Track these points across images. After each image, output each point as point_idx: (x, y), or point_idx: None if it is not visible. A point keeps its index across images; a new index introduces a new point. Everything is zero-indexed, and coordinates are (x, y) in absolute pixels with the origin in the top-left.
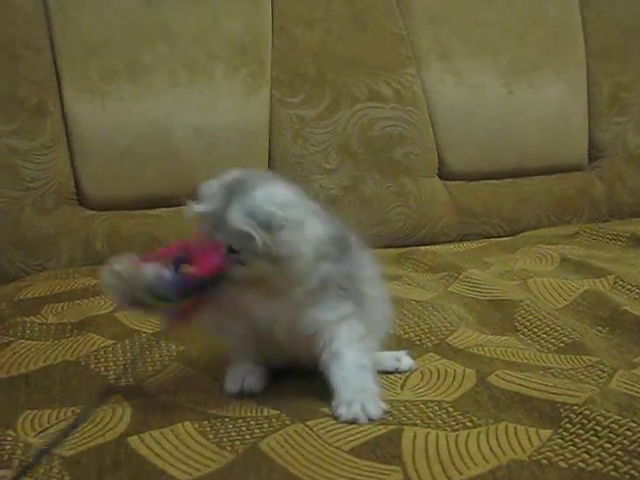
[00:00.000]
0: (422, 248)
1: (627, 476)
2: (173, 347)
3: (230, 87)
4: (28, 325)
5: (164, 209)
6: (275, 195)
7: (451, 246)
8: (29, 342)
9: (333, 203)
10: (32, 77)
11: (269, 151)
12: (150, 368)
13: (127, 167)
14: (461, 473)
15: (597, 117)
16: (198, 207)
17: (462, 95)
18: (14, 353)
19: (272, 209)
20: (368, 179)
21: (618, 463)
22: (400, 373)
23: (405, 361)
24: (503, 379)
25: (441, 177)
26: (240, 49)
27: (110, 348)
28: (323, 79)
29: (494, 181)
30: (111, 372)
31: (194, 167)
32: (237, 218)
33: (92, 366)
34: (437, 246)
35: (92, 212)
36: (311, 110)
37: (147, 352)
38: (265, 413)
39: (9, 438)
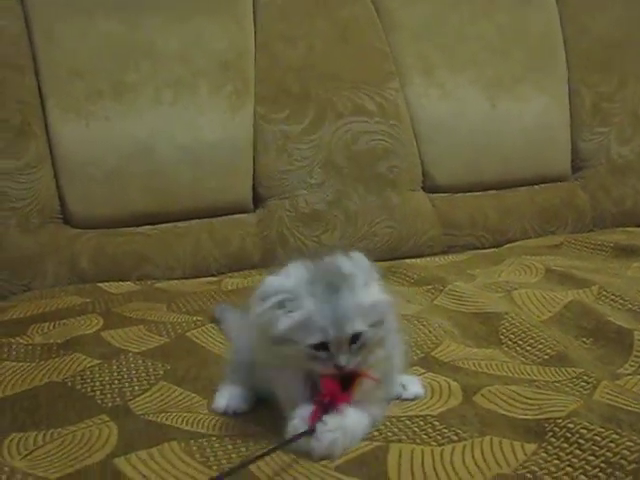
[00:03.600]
0: (407, 261)
1: None
2: (159, 365)
3: (214, 104)
4: (14, 346)
5: (149, 227)
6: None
7: (436, 259)
8: (14, 363)
9: (318, 218)
10: (16, 97)
11: (254, 167)
12: (137, 388)
13: (112, 186)
14: None
15: (580, 128)
16: (294, 316)
17: (445, 109)
18: None
19: (378, 296)
20: (353, 194)
21: (601, 475)
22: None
23: (411, 390)
24: (488, 393)
25: (426, 190)
26: (224, 66)
27: (97, 368)
28: (307, 95)
29: (478, 193)
30: (97, 392)
31: (179, 185)
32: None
33: (78, 387)
34: (422, 259)
35: (77, 231)
36: (295, 126)
37: None
38: (251, 431)
39: None
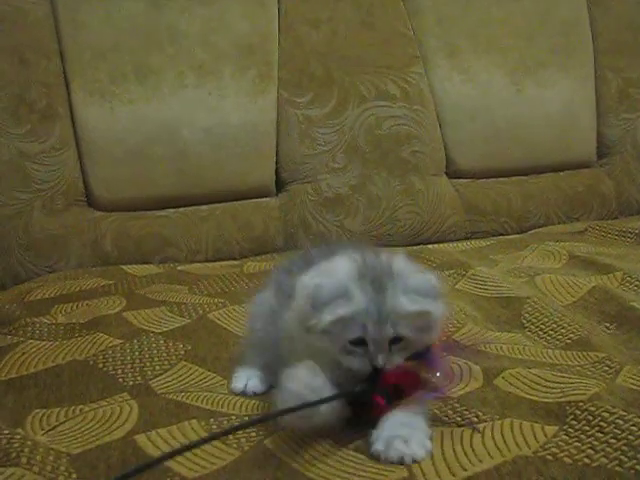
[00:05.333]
0: (430, 246)
1: (632, 471)
2: (180, 346)
3: (238, 88)
4: (37, 325)
5: (173, 210)
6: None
7: (459, 244)
8: (38, 342)
9: (341, 202)
10: (41, 80)
11: (277, 151)
12: (158, 367)
13: (136, 168)
14: (465, 469)
15: (606, 114)
16: (339, 311)
17: (470, 93)
18: (23, 353)
19: (428, 280)
20: (376, 178)
21: (623, 458)
22: None
23: None
24: (510, 376)
25: (449, 175)
26: (247, 50)
27: (118, 347)
28: (330, 79)
29: (502, 179)
30: (119, 371)
31: (202, 167)
32: (407, 302)
33: (100, 365)
34: (445, 244)
35: (101, 213)
36: (318, 110)
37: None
38: (269, 410)
39: (17, 436)
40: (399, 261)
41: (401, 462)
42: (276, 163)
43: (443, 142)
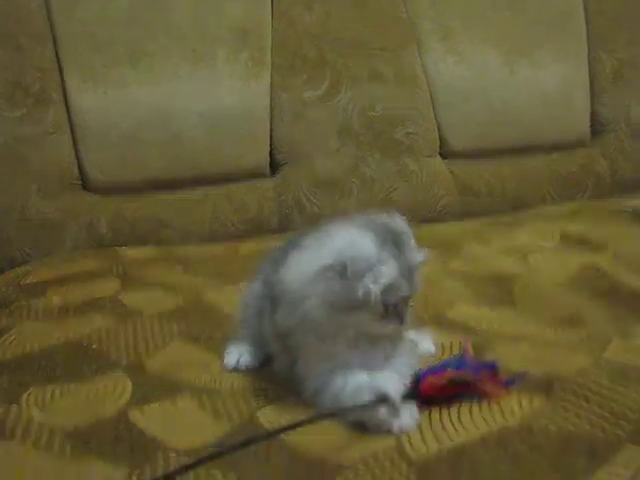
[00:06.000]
0: (424, 226)
1: (614, 436)
2: (174, 326)
3: (231, 71)
4: (32, 307)
5: (168, 192)
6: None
7: (453, 224)
8: (34, 323)
9: (335, 184)
10: (35, 65)
11: (271, 133)
12: (151, 346)
13: (130, 152)
14: (452, 440)
15: (599, 93)
16: (383, 280)
17: (463, 75)
18: (19, 334)
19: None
20: (370, 160)
21: (605, 425)
22: None
23: (423, 346)
24: (500, 351)
25: (443, 156)
26: (240, 33)
27: (112, 328)
28: (323, 61)
29: (496, 159)
30: (113, 350)
31: (196, 151)
32: (418, 256)
33: (94, 345)
34: (439, 224)
35: (96, 196)
36: (312, 92)
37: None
38: (262, 386)
39: (12, 412)
40: (395, 220)
41: (390, 432)
42: (270, 145)
43: (437, 123)
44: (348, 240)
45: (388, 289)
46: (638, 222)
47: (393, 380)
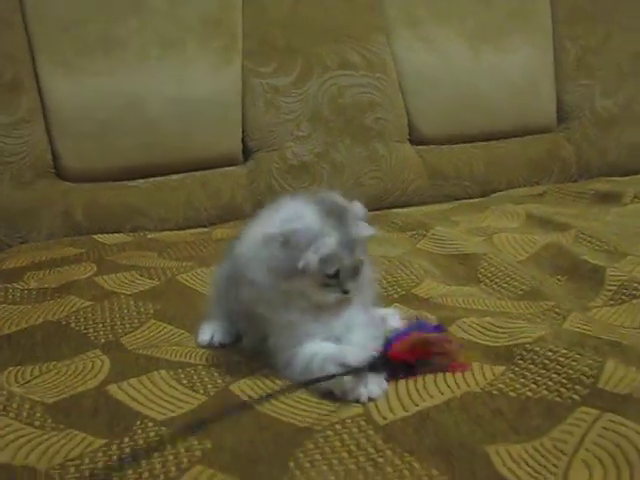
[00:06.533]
0: (394, 211)
1: (569, 400)
2: (150, 306)
3: (202, 59)
4: (10, 291)
5: (142, 180)
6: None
7: (422, 208)
8: (11, 306)
9: (306, 170)
10: (7, 52)
11: (243, 120)
12: (128, 325)
13: (104, 139)
14: (417, 405)
15: (564, 80)
16: (322, 250)
17: (431, 61)
18: None
19: (360, 207)
20: (340, 145)
21: (562, 390)
22: None
23: (390, 322)
24: (463, 324)
25: (412, 142)
26: (211, 21)
27: (89, 308)
28: (294, 49)
29: (465, 144)
30: (90, 330)
31: (170, 138)
32: (361, 229)
33: (72, 325)
34: (409, 208)
35: (71, 184)
36: (283, 79)
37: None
38: (235, 360)
39: None
40: (338, 196)
41: (357, 400)
42: (242, 132)
43: (406, 109)
44: (293, 212)
45: (327, 259)
46: (600, 204)
47: (357, 350)
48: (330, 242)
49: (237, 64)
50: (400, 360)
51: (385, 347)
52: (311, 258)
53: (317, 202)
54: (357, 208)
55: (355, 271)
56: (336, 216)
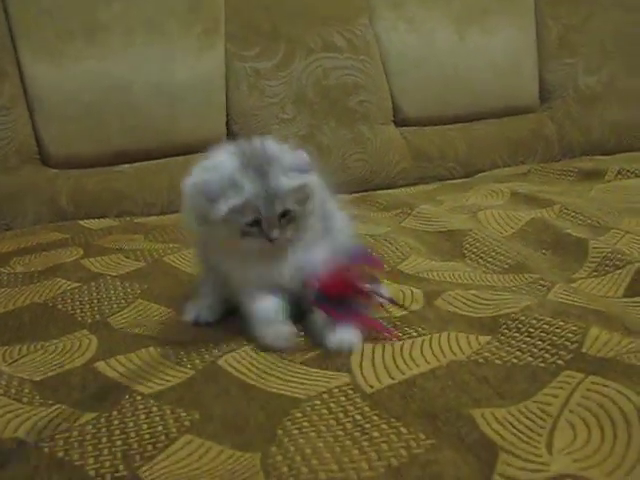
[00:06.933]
0: (379, 192)
1: (553, 365)
2: (137, 286)
3: (186, 43)
4: None
5: (127, 165)
6: (284, 149)
7: (407, 189)
8: None
9: None
10: None
11: (227, 104)
12: (115, 306)
13: (88, 125)
14: (403, 373)
15: (547, 59)
16: (232, 201)
17: (414, 43)
18: None
19: (300, 159)
20: (325, 128)
21: (546, 356)
22: None
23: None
24: (449, 297)
25: (397, 124)
26: (194, 6)
27: (76, 290)
28: (277, 32)
29: (448, 126)
30: (78, 311)
31: (155, 122)
32: (287, 180)
33: (59, 306)
34: (394, 190)
35: (56, 170)
36: (266, 62)
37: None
38: (222, 336)
39: None
40: (271, 145)
41: (340, 348)
42: (227, 116)
43: (390, 91)
44: (213, 162)
45: (239, 210)
46: (584, 181)
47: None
48: (241, 193)
49: (220, 48)
50: (332, 294)
51: (317, 284)
52: (221, 209)
53: (240, 152)
54: (293, 157)
55: (282, 220)
56: (256, 166)
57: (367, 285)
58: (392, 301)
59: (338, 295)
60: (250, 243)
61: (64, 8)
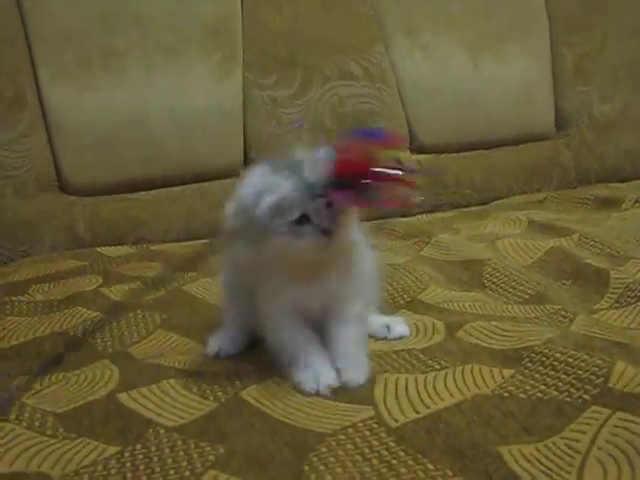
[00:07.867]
0: (395, 219)
1: (579, 400)
2: (157, 316)
3: (203, 71)
4: (16, 304)
5: (143, 192)
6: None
7: (423, 216)
8: (18, 318)
9: None
10: (8, 69)
11: (244, 132)
12: (136, 335)
13: (106, 153)
14: (428, 407)
15: (562, 87)
16: (270, 198)
17: (429, 71)
18: (4, 328)
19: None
20: None
21: (572, 390)
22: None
23: (396, 330)
24: (471, 328)
25: (412, 151)
26: (212, 33)
27: (97, 319)
28: (294, 60)
29: (464, 153)
30: (98, 340)
31: (171, 151)
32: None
33: (80, 336)
34: (410, 217)
35: (73, 198)
36: (283, 90)
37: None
38: (245, 368)
39: (3, 397)
40: (299, 149)
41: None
42: (244, 144)
43: (406, 118)
44: (245, 183)
45: (280, 207)
46: (601, 209)
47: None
48: (278, 190)
49: (238, 76)
50: (348, 175)
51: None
52: (261, 209)
53: (269, 163)
54: (323, 152)
55: (330, 210)
56: (286, 169)
57: (386, 162)
58: (413, 170)
59: (355, 175)
60: (306, 244)
61: (83, 34)
